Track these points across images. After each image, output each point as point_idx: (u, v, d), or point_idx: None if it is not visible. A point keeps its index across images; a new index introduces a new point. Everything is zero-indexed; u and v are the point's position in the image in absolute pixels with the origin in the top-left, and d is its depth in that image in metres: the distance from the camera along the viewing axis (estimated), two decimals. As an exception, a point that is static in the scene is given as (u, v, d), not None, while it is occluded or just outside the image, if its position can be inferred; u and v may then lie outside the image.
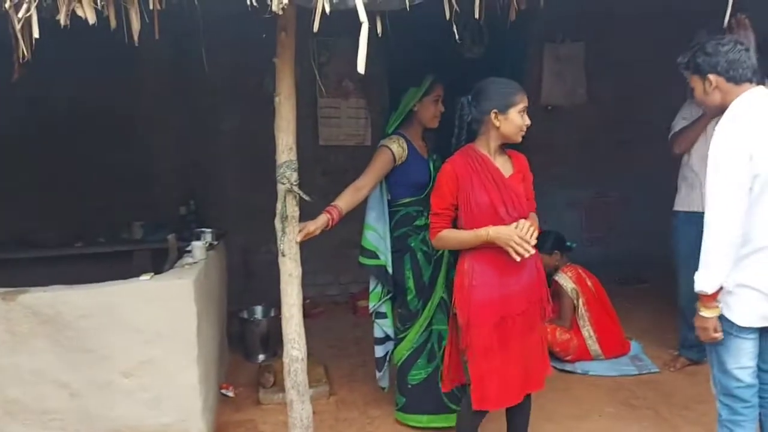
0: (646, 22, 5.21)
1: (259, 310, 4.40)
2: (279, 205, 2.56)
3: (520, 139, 2.48)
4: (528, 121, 2.45)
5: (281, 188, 2.55)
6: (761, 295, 2.25)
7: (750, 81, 2.26)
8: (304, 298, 3.66)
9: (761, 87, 2.28)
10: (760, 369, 2.37)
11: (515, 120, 2.42)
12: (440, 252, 3.03)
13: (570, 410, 3.34)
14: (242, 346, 4.25)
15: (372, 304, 3.24)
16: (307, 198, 2.58)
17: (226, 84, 4.94)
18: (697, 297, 2.25)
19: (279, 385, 3.56)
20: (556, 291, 4.01)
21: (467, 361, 2.50)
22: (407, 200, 3.08)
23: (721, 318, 2.26)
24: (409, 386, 3.15)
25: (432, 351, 3.11)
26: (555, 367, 3.85)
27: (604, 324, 3.97)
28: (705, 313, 2.24)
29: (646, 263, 5.68)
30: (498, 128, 2.44)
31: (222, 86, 4.94)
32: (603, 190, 5.62)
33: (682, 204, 3.69)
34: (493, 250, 2.42)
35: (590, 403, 3.45)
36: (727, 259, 2.17)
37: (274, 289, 4.58)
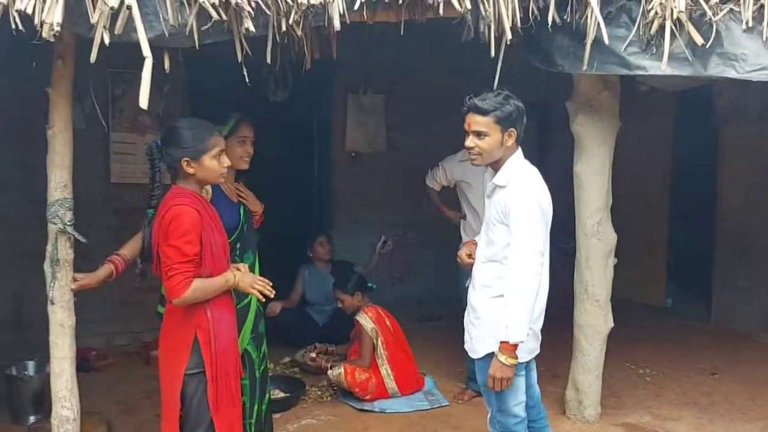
0: (438, 80, 5.70)
1: (31, 366, 3.90)
2: (49, 247, 2.32)
3: (222, 180, 2.43)
4: (227, 162, 2.36)
5: (52, 229, 2.33)
6: (533, 332, 2.49)
7: None
8: (91, 350, 3.36)
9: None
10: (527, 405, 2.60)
11: (211, 166, 2.31)
12: (247, 299, 2.82)
13: (366, 450, 3.39)
14: (9, 407, 3.72)
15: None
16: (82, 239, 2.38)
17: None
18: (501, 348, 2.33)
19: (51, 450, 3.17)
20: (357, 331, 4.09)
21: (213, 414, 2.35)
22: None
23: None
24: None
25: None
26: (353, 407, 3.92)
27: (400, 362, 4.12)
28: (511, 361, 2.33)
29: (441, 300, 6.05)
30: (194, 175, 2.33)
31: (-5, 115, 4.41)
32: (403, 233, 5.91)
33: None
34: (227, 294, 2.41)
35: (386, 441, 3.54)
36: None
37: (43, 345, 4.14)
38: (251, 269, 2.90)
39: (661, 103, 5.59)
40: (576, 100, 3.42)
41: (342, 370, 3.88)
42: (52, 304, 2.32)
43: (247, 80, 2.37)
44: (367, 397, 3.96)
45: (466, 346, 2.66)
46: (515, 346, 2.33)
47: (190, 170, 2.31)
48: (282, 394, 3.96)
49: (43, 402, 3.73)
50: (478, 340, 2.55)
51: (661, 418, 3.81)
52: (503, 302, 2.37)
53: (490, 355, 2.41)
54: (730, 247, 5.62)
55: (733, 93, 5.34)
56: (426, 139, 5.85)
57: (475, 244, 2.69)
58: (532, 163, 2.56)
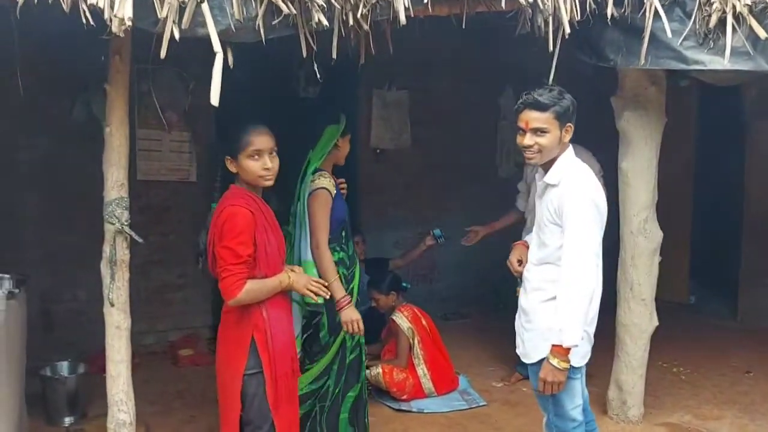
0: (464, 75, 5.65)
1: (65, 367, 3.85)
2: (107, 248, 2.26)
3: (262, 183, 2.30)
4: (269, 164, 2.26)
5: (110, 229, 2.27)
6: (587, 335, 2.43)
7: None
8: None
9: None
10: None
11: (246, 166, 2.25)
12: (350, 285, 2.99)
13: (410, 451, 3.35)
14: (44, 408, 3.67)
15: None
16: (139, 240, 2.32)
17: (26, 109, 4.36)
18: (553, 352, 2.27)
19: (93, 453, 3.13)
20: (393, 330, 4.05)
21: (272, 414, 2.33)
22: (331, 236, 2.97)
23: None
24: None
25: (319, 390, 3.00)
26: (391, 407, 3.88)
27: (436, 361, 4.07)
28: (563, 365, 2.27)
29: (466, 299, 6.03)
30: (237, 174, 2.30)
31: (21, 111, 4.34)
32: (426, 230, 5.84)
33: None
34: (283, 294, 2.39)
35: (428, 442, 3.49)
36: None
37: (81, 342, 4.09)
38: (354, 256, 3.09)
39: (685, 96, 5.53)
40: (622, 96, 3.37)
41: (380, 369, 3.84)
42: (112, 306, 2.26)
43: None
44: (404, 397, 3.92)
45: (518, 351, 2.60)
46: (568, 349, 2.26)
47: (233, 169, 2.29)
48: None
49: (77, 403, 3.70)
50: (531, 345, 2.49)
51: (702, 418, 3.77)
52: (556, 305, 2.31)
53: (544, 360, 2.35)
54: (756, 245, 5.57)
55: (763, 85, 5.27)
56: (450, 135, 5.81)
57: (526, 247, 2.63)
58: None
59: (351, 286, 3.00)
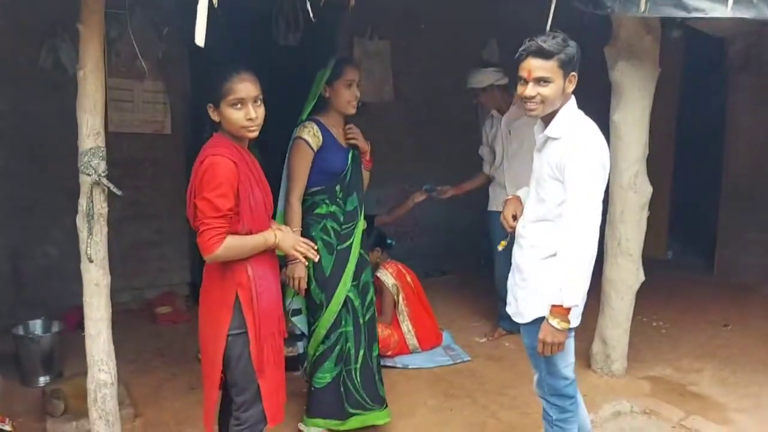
0: (447, 27, 5.47)
1: (38, 325, 3.72)
2: (83, 201, 2.12)
3: (246, 135, 2.14)
4: (253, 114, 2.11)
5: (86, 180, 2.13)
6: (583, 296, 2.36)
7: None
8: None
9: None
10: None
11: (230, 115, 2.10)
12: (347, 243, 2.88)
13: (396, 407, 3.31)
14: (17, 369, 3.56)
15: (288, 302, 2.95)
16: (117, 192, 2.18)
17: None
18: (552, 312, 2.19)
19: (71, 412, 3.04)
20: (378, 287, 3.98)
21: (258, 377, 2.23)
22: (318, 188, 2.87)
23: None
24: (313, 389, 2.96)
25: (341, 354, 2.93)
26: (377, 364, 3.86)
27: (421, 318, 4.04)
28: (563, 325, 2.19)
29: (447, 256, 6.00)
30: (220, 123, 2.14)
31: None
32: (408, 186, 5.75)
33: (495, 205, 4.03)
34: (268, 253, 2.27)
35: (414, 397, 3.48)
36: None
37: (53, 299, 3.96)
38: (355, 213, 2.93)
39: (669, 48, 5.44)
40: (616, 46, 3.27)
41: (365, 326, 3.79)
42: (90, 261, 2.14)
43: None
44: (389, 353, 3.89)
45: (508, 310, 2.51)
46: (568, 309, 2.20)
47: (216, 117, 2.14)
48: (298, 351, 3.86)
49: (53, 362, 3.59)
50: (525, 304, 2.40)
51: (682, 371, 3.82)
52: (558, 263, 2.22)
53: (539, 320, 2.28)
54: (735, 200, 5.61)
55: (748, 39, 5.22)
56: (434, 89, 5.67)
57: (520, 203, 2.54)
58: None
59: (348, 243, 2.90)
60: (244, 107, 2.09)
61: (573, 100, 2.31)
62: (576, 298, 2.19)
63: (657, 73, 3.29)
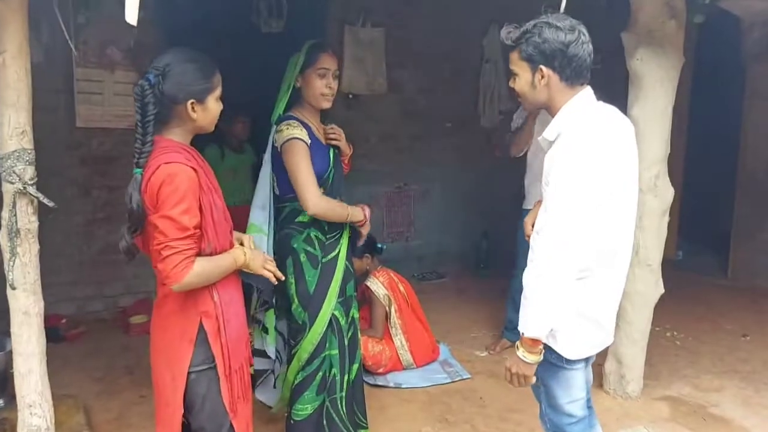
0: (444, 13, 5.10)
1: (-10, 342, 3.35)
2: (5, 215, 1.76)
3: (211, 130, 1.95)
4: (221, 107, 1.92)
5: (9, 189, 1.76)
6: (597, 324, 2.01)
7: (583, 83, 1.94)
8: (60, 317, 2.83)
9: (589, 88, 1.95)
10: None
11: (214, 109, 1.89)
12: (332, 253, 2.52)
13: (387, 436, 2.98)
14: (-35, 392, 3.20)
15: (252, 310, 2.57)
16: (48, 203, 1.81)
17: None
18: (521, 340, 1.86)
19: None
20: (368, 298, 3.64)
21: (231, 417, 1.92)
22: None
23: (546, 349, 1.93)
24: (292, 421, 2.54)
25: (323, 381, 2.53)
26: (366, 382, 3.49)
27: (415, 331, 3.69)
28: (531, 358, 1.86)
29: (444, 258, 5.66)
30: (194, 120, 1.85)
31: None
32: (403, 184, 5.41)
33: (529, 204, 3.66)
34: (234, 273, 1.96)
35: (406, 423, 3.12)
36: (569, 293, 1.85)
37: (5, 313, 3.58)
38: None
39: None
40: (635, 32, 2.91)
41: (354, 342, 3.44)
42: (13, 288, 1.77)
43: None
44: (380, 371, 3.55)
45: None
46: (535, 341, 1.85)
47: (194, 114, 1.82)
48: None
49: (6, 384, 3.22)
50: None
51: (702, 389, 3.48)
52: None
53: None
54: (751, 198, 5.27)
55: (766, 27, 4.87)
56: (430, 79, 5.30)
57: None
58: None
59: (334, 254, 2.53)
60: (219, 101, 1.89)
61: (583, 95, 1.92)
62: (537, 328, 1.83)
63: (681, 63, 2.93)
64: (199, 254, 1.78)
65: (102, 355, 3.87)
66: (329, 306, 2.51)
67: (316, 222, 2.50)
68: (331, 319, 2.52)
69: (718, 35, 4.76)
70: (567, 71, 1.86)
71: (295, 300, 2.52)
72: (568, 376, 2.04)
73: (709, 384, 3.55)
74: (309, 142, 2.43)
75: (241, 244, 2.03)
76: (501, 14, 5.20)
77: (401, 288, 3.73)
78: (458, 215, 5.58)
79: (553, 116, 1.95)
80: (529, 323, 1.84)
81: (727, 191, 5.53)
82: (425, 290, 4.94)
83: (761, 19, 4.86)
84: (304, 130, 2.45)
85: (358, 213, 2.54)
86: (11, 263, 1.74)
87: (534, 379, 1.92)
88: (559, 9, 2.18)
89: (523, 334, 1.87)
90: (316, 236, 2.51)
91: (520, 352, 1.87)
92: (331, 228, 2.54)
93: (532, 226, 2.12)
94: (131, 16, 1.38)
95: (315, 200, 2.38)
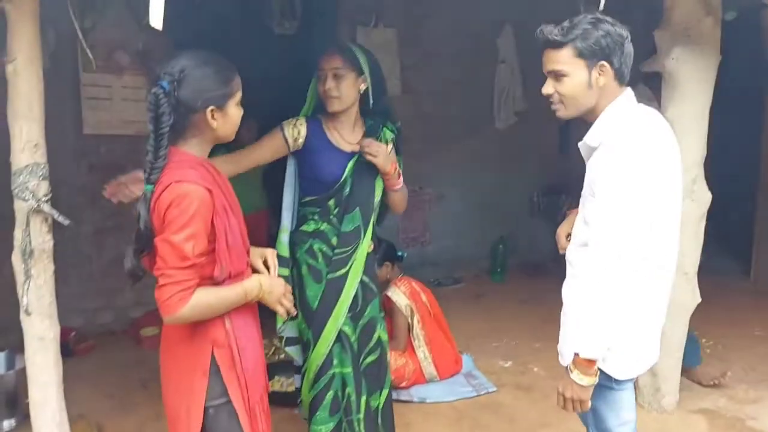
0: (458, 13, 4.98)
1: (0, 359, 3.24)
2: (18, 234, 1.63)
3: (232, 138, 1.77)
4: (241, 111, 1.75)
5: (22, 207, 1.63)
6: (647, 340, 1.91)
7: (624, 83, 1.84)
8: (69, 330, 2.71)
9: (630, 89, 1.85)
10: None
11: (235, 115, 1.72)
12: (340, 271, 2.35)
13: (415, 454, 2.86)
14: (-24, 411, 3.09)
15: (278, 326, 2.46)
16: (64, 221, 1.69)
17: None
18: (574, 361, 1.75)
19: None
20: (388, 308, 3.51)
21: None
22: (307, 199, 2.42)
23: None
24: None
25: (335, 401, 2.39)
26: (390, 397, 3.38)
27: (439, 342, 3.57)
28: (587, 380, 1.74)
29: (459, 263, 5.53)
30: (214, 129, 1.68)
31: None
32: (419, 187, 5.28)
33: None
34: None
35: (434, 441, 3.01)
36: (624, 309, 1.74)
37: (15, 328, 3.48)
38: (354, 235, 2.38)
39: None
40: (669, 30, 2.78)
41: (376, 355, 3.31)
42: (28, 314, 1.65)
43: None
44: (403, 385, 3.42)
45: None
46: (591, 362, 1.74)
47: (214, 123, 1.65)
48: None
49: (18, 402, 3.11)
50: (564, 342, 1.95)
51: (738, 401, 3.35)
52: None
53: None
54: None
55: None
56: (445, 81, 5.18)
57: None
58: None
59: (342, 271, 2.36)
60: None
61: (626, 96, 1.81)
62: (594, 348, 1.72)
63: (718, 61, 2.80)
64: (212, 278, 1.61)
65: (114, 369, 3.75)
66: (334, 324, 2.36)
67: (320, 233, 2.37)
68: (340, 335, 2.38)
69: (739, 31, 4.62)
70: (623, 69, 1.76)
71: (299, 315, 2.40)
72: (617, 397, 1.93)
73: (745, 395, 3.42)
74: (293, 138, 2.35)
75: (265, 263, 1.86)
76: (515, 14, 5.14)
77: (423, 297, 3.60)
78: (474, 219, 5.46)
79: (591, 120, 1.83)
80: (586, 343, 1.72)
81: (749, 191, 5.40)
82: (443, 296, 4.77)
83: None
84: (303, 128, 2.37)
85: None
86: (25, 286, 1.62)
87: (590, 404, 1.79)
88: (597, 6, 2.05)
89: (577, 355, 1.74)
90: (320, 249, 2.37)
91: (575, 375, 1.75)
92: (341, 242, 2.38)
93: (567, 238, 2.01)
94: (156, 19, 1.26)
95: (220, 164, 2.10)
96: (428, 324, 3.54)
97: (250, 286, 1.70)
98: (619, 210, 1.68)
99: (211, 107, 1.62)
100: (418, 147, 5.24)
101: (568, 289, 1.95)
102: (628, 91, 1.82)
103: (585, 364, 1.73)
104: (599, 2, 2.07)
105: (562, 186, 5.69)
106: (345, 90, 2.31)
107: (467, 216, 5.46)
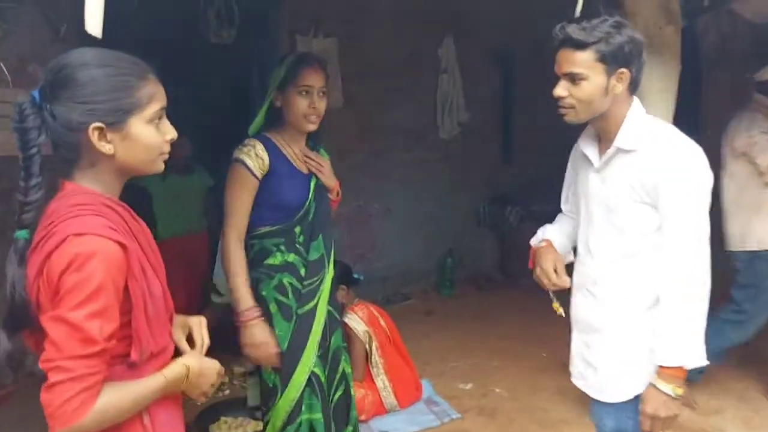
0: (400, 23, 4.85)
1: None
2: None
3: (160, 167, 1.33)
4: (173, 133, 1.32)
5: None
6: None
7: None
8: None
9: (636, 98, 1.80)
10: None
11: (146, 136, 1.26)
12: (310, 304, 2.14)
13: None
14: None
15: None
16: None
17: None
18: (664, 376, 1.66)
19: None
20: (347, 335, 3.28)
21: None
22: (266, 229, 2.13)
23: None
24: None
25: None
26: (349, 433, 3.15)
27: (398, 369, 3.38)
28: (680, 392, 1.67)
29: (408, 278, 5.38)
30: (111, 156, 1.24)
31: None
32: (364, 203, 5.09)
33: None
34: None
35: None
36: None
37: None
38: (320, 263, 2.17)
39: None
40: (631, 39, 2.70)
41: (334, 388, 3.07)
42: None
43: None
44: (362, 418, 3.19)
45: (577, 382, 1.92)
46: (685, 372, 1.67)
47: (106, 147, 1.22)
48: (253, 423, 3.12)
49: None
50: (614, 376, 1.81)
51: (701, 412, 3.32)
52: (662, 312, 1.68)
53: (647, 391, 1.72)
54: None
55: (721, 27, 4.84)
56: (387, 92, 5.02)
57: (557, 252, 1.93)
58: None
59: (312, 304, 2.15)
60: (162, 121, 1.30)
61: (637, 102, 1.78)
62: (699, 354, 1.67)
63: (679, 71, 2.75)
64: (124, 359, 1.22)
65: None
66: (305, 367, 2.14)
67: (289, 266, 2.14)
68: (310, 377, 2.15)
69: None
70: (638, 77, 1.71)
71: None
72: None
73: (706, 405, 3.40)
74: (261, 168, 2.09)
75: (189, 335, 1.43)
76: (456, 24, 5.05)
77: (382, 322, 3.41)
78: (421, 233, 5.32)
79: (604, 128, 1.77)
80: (691, 348, 1.66)
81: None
82: (393, 315, 4.58)
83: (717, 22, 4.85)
84: (263, 153, 2.10)
85: (243, 299, 2.07)
86: None
87: None
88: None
89: (667, 368, 1.66)
90: (289, 283, 2.13)
91: (669, 389, 1.66)
92: (309, 272, 2.16)
93: (555, 272, 1.87)
94: (93, 24, 1.00)
95: (228, 234, 2.08)
96: (387, 350, 3.35)
97: (173, 374, 1.29)
98: (704, 208, 1.68)
99: (94, 124, 1.19)
100: (362, 160, 5.06)
101: (614, 316, 1.80)
102: (637, 100, 1.77)
103: (681, 375, 1.67)
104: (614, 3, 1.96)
105: (507, 196, 5.65)
106: (324, 108, 2.12)
107: (414, 229, 5.32)
